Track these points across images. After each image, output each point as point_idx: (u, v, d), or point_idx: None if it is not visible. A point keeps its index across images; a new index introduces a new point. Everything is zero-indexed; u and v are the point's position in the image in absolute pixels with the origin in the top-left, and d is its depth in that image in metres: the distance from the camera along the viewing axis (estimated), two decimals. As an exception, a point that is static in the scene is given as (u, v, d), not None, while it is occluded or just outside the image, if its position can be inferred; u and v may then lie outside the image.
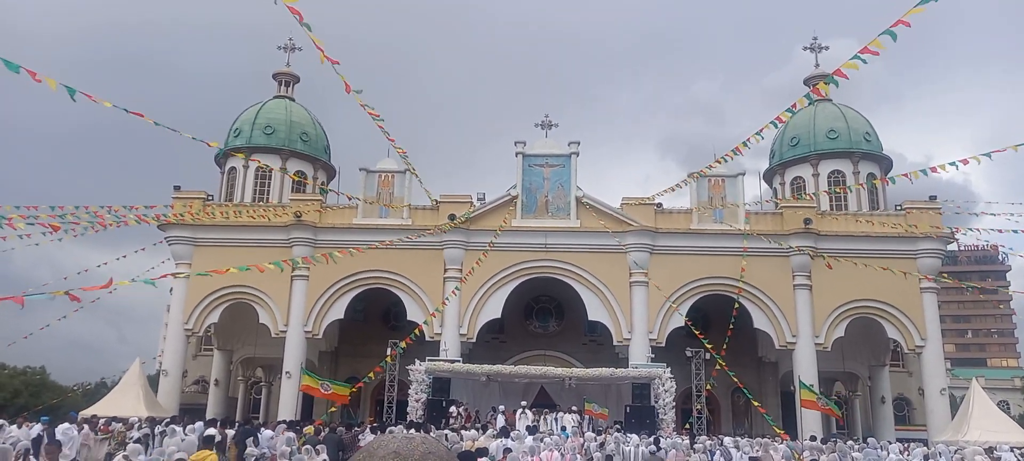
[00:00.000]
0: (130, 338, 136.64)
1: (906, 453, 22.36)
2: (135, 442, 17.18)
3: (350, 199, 34.25)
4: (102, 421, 22.34)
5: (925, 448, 23.85)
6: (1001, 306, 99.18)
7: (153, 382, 35.53)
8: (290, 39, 41.50)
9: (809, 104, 35.64)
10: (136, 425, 22.44)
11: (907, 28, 12.66)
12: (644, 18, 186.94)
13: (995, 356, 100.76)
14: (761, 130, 18.48)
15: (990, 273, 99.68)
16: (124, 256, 31.59)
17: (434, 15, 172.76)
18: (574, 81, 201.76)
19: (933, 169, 19.46)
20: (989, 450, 22.06)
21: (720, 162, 27.00)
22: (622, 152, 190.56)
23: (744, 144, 20.03)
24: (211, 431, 18.70)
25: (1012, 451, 21.89)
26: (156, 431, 20.94)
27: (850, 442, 25.99)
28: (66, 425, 18.91)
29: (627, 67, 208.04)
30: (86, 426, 20.56)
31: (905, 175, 23.26)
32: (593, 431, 24.64)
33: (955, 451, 22.28)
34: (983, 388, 30.93)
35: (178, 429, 20.37)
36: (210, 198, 35.98)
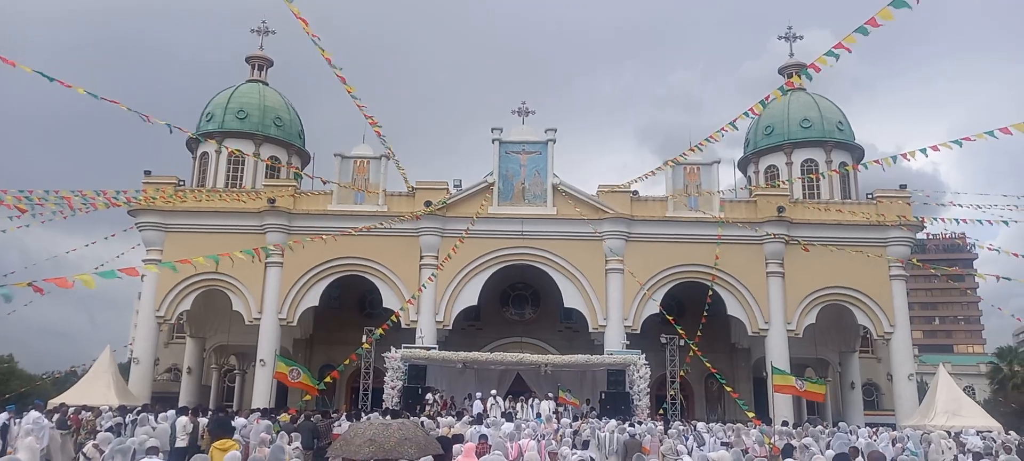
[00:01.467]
0: (102, 325, 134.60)
1: (874, 437, 22.77)
2: (106, 430, 16.95)
3: (325, 183, 33.89)
4: (71, 410, 22.01)
5: (893, 432, 24.33)
6: (968, 293, 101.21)
7: (124, 370, 35.05)
8: (263, 22, 40.97)
9: (784, 95, 36.01)
10: (107, 413, 22.14)
11: (877, 27, 12.83)
12: (624, 8, 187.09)
13: (962, 342, 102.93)
14: (735, 120, 18.62)
15: (958, 261, 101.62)
16: (94, 242, 31.04)
17: (414, 3, 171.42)
18: (553, 70, 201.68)
19: (905, 156, 19.70)
20: (955, 434, 22.56)
21: (694, 150, 27.17)
22: (600, 141, 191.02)
23: (719, 133, 20.17)
24: (181, 419, 18.53)
25: (978, 434, 22.38)
26: (127, 420, 20.67)
27: (820, 426, 26.45)
28: (36, 413, 18.60)
29: (606, 57, 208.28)
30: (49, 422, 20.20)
31: (877, 161, 23.55)
32: (571, 417, 24.76)
33: (922, 435, 22.74)
34: (950, 374, 31.63)
35: (150, 417, 20.13)
36: (182, 183, 35.47)
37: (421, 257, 33.24)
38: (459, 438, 15.85)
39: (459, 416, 23.04)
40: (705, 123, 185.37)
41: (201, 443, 17.61)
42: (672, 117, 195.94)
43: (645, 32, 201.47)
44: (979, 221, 25.13)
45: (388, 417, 16.84)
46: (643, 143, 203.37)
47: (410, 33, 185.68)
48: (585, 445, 16.57)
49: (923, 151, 19.60)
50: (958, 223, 26.66)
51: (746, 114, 19.11)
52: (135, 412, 22.00)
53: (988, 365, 62.23)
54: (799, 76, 15.79)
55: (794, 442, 19.28)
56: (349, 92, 19.85)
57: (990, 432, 24.59)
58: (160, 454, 10.69)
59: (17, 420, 18.87)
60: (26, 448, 14.00)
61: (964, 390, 36.46)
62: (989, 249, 28.93)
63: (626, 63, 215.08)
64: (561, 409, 25.98)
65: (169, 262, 15.02)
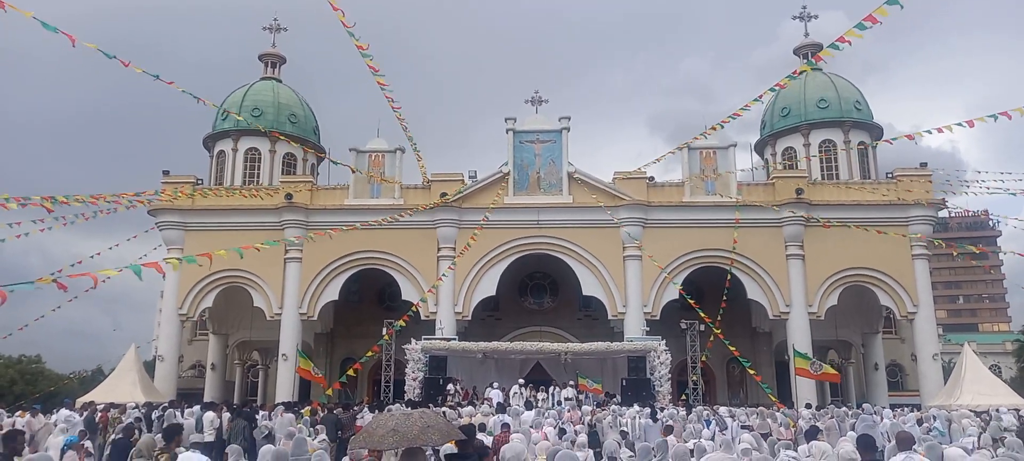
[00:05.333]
0: (126, 325, 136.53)
1: (898, 418, 22.56)
2: (125, 426, 17.10)
3: (354, 172, 33.77)
4: (100, 408, 22.30)
5: (918, 413, 24.10)
6: (992, 271, 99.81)
7: (150, 368, 35.55)
8: (275, 20, 41.14)
9: (813, 69, 35.62)
10: (133, 410, 22.41)
11: (911, 1, 12.66)
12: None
13: (986, 321, 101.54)
14: (761, 96, 18.60)
15: (981, 239, 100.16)
16: (117, 244, 31.38)
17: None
18: (564, 60, 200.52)
19: (940, 129, 19.54)
20: (982, 413, 22.30)
21: (715, 128, 26.95)
22: (612, 130, 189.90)
23: (743, 109, 19.98)
24: (208, 414, 18.73)
25: (1011, 412, 22.12)
26: (153, 416, 20.94)
27: (844, 408, 26.24)
28: (67, 412, 18.87)
29: (618, 45, 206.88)
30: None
31: (909, 137, 23.38)
32: (595, 404, 24.78)
33: (945, 415, 22.50)
34: (975, 353, 31.22)
35: (176, 413, 20.39)
36: (200, 182, 35.78)
37: (438, 249, 33.32)
38: (482, 427, 15.89)
39: (477, 405, 23.13)
40: (717, 110, 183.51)
41: (225, 437, 17.79)
42: (684, 105, 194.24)
43: (656, 20, 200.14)
44: (1001, 185, 24.64)
45: (410, 408, 16.92)
46: (655, 132, 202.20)
47: (420, 25, 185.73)
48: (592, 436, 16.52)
49: (960, 124, 19.46)
50: (985, 189, 26.22)
51: (772, 89, 18.99)
52: (160, 408, 22.29)
53: (1014, 343, 61.47)
54: (828, 49, 15.46)
55: (819, 424, 19.16)
56: (380, 84, 20.14)
57: (1018, 410, 24.28)
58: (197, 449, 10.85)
59: (48, 416, 19.11)
60: (56, 448, 14.16)
61: (990, 369, 36.05)
62: (1013, 226, 28.48)
63: (637, 52, 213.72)
64: (582, 397, 25.99)
65: (190, 256, 15.16)
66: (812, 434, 11.99)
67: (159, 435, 10.62)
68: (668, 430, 15.16)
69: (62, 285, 9.62)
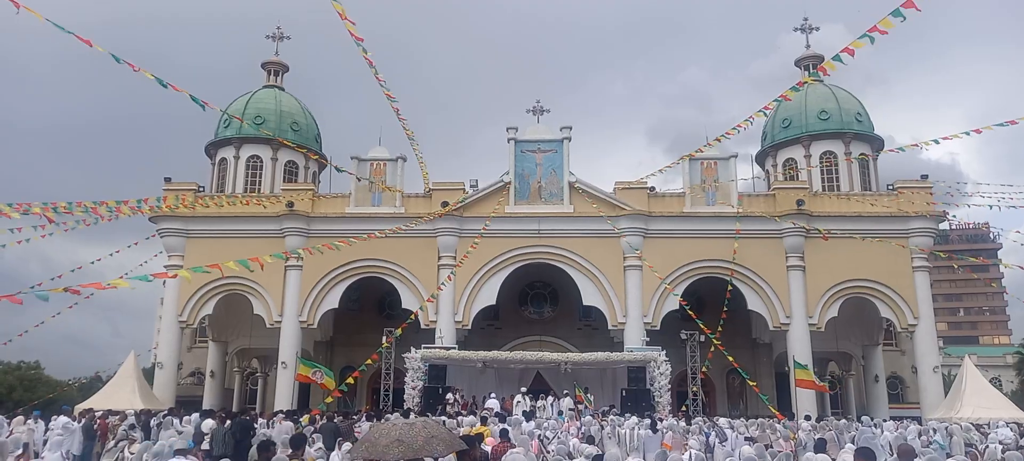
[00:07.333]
0: (125, 332, 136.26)
1: (898, 429, 22.52)
2: (126, 430, 17.07)
3: (359, 180, 33.75)
4: (99, 415, 22.27)
5: (918, 425, 24.06)
6: (993, 284, 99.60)
7: (149, 375, 35.50)
8: (278, 28, 41.20)
9: (816, 80, 35.68)
10: (131, 417, 22.37)
11: (914, 11, 12.63)
12: (636, 5, 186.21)
13: (987, 333, 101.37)
14: (766, 107, 18.66)
15: (981, 251, 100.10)
16: (118, 251, 31.39)
17: (424, 2, 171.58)
18: (566, 69, 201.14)
19: (946, 138, 19.69)
20: (979, 426, 22.27)
21: (719, 140, 27.00)
22: (611, 140, 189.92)
23: (747, 121, 20.03)
24: (208, 420, 18.67)
25: (1008, 426, 22.07)
26: (152, 424, 20.89)
27: (844, 421, 26.20)
28: (65, 419, 18.84)
29: (618, 54, 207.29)
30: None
31: (916, 145, 23.42)
32: (590, 416, 24.73)
33: (945, 428, 22.46)
34: (975, 365, 31.17)
35: (175, 421, 20.37)
36: (201, 189, 35.82)
37: (439, 258, 33.32)
38: (480, 436, 15.85)
39: (483, 417, 23.05)
40: (716, 120, 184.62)
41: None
42: (683, 115, 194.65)
43: (655, 30, 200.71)
44: (1002, 197, 24.67)
45: (411, 416, 16.87)
46: (654, 142, 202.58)
47: (420, 33, 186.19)
48: (591, 440, 16.51)
49: (966, 133, 19.59)
50: (982, 209, 26.36)
51: (776, 101, 19.03)
52: (159, 416, 22.26)
53: (1015, 356, 61.37)
54: (832, 62, 15.40)
55: (824, 436, 19.11)
56: (388, 96, 20.36)
57: (1020, 425, 24.23)
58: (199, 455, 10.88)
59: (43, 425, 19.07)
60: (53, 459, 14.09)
61: (990, 381, 35.96)
62: (1014, 238, 28.52)
63: (637, 61, 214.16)
64: (580, 407, 25.93)
65: (199, 267, 15.08)
66: (820, 447, 11.98)
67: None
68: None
69: (75, 291, 9.68)
